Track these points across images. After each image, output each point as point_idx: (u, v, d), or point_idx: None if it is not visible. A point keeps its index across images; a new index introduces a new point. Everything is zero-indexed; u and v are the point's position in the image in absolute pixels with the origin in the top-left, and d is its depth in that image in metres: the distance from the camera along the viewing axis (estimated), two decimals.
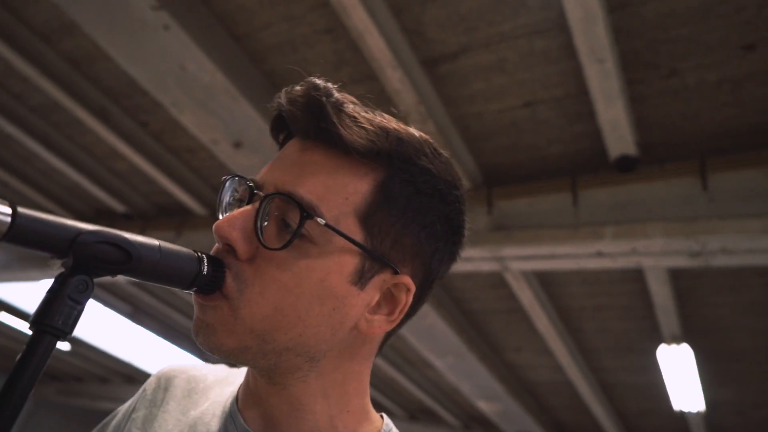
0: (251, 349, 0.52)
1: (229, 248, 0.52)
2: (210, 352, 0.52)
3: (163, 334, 7.68)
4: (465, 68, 2.51)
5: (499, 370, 5.29)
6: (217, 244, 0.53)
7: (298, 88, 0.55)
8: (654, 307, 3.68)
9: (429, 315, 4.29)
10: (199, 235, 3.97)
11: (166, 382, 0.68)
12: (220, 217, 0.56)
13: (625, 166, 2.57)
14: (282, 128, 0.60)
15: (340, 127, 0.52)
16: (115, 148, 3.73)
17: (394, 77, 2.46)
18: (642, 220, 2.43)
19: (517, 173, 2.95)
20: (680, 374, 4.18)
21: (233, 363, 0.56)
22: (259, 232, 0.51)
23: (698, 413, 4.83)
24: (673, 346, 3.88)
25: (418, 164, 0.54)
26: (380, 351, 0.62)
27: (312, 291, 0.51)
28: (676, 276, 3.38)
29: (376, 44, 2.33)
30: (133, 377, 10.74)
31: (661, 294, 3.49)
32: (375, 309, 0.55)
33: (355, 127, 0.52)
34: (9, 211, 0.40)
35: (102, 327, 8.12)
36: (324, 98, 0.53)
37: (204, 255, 0.51)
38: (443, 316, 4.32)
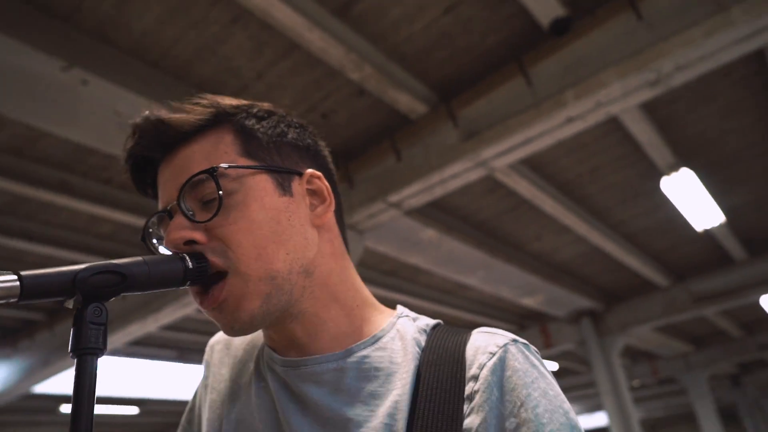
0: (271, 294, 0.59)
1: (188, 245, 0.59)
2: (243, 328, 0.60)
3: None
4: (375, 0, 2.51)
5: (529, 263, 5.43)
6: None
7: (132, 139, 0.65)
8: (642, 146, 3.76)
9: (444, 242, 4.40)
10: None
11: (210, 349, 0.78)
12: (155, 246, 0.65)
13: (560, 28, 2.59)
14: (145, 179, 0.68)
15: (179, 125, 0.62)
16: (92, 214, 3.76)
17: (314, 38, 2.46)
18: (594, 72, 2.47)
19: (466, 78, 2.97)
20: (690, 197, 4.29)
21: (250, 315, 0.60)
22: (194, 216, 0.60)
23: (720, 225, 4.97)
24: (673, 174, 3.98)
25: (242, 105, 0.67)
26: (348, 248, 0.71)
27: (264, 218, 0.60)
28: (650, 110, 3.44)
29: (283, 15, 2.32)
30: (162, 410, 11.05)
31: (643, 132, 3.57)
32: (313, 206, 0.66)
33: (190, 116, 0.63)
34: (15, 277, 0.47)
35: (158, 379, 8.32)
36: (152, 124, 0.63)
37: (184, 254, 0.57)
38: (457, 238, 4.42)
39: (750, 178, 4.65)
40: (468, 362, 0.58)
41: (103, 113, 2.54)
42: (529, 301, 6.11)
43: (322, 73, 2.82)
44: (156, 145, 0.64)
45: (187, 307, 4.22)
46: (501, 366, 0.57)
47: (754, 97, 3.59)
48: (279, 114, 0.70)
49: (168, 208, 0.62)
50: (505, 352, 0.58)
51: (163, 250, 0.64)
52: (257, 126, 0.67)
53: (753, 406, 13.97)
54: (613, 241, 5.18)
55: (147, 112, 0.63)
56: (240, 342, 0.75)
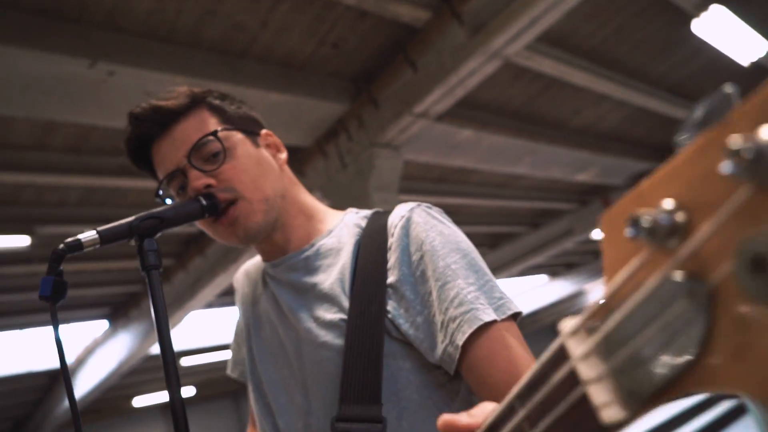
0: (266, 210, 0.84)
1: (206, 189, 0.82)
2: (252, 234, 0.84)
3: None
4: None
5: (573, 140, 5.41)
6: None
7: (132, 124, 0.87)
8: None
9: (482, 138, 4.47)
10: None
11: (236, 282, 1.05)
12: (173, 199, 0.90)
13: None
14: (141, 153, 0.90)
15: (170, 107, 0.85)
16: (155, 188, 4.11)
17: None
18: None
19: None
20: (727, 33, 4.09)
21: (263, 235, 0.86)
22: (209, 168, 0.84)
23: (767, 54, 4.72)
24: (703, 15, 3.80)
25: (206, 91, 0.91)
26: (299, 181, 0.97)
27: (250, 163, 0.86)
28: None
29: None
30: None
31: None
32: (275, 153, 0.93)
33: (176, 100, 0.86)
34: (94, 232, 0.73)
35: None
36: (150, 109, 0.85)
37: (199, 196, 0.81)
38: (495, 131, 4.47)
39: None
40: (389, 227, 0.82)
41: (134, 97, 2.74)
42: (583, 177, 6.12)
43: (321, 6, 2.89)
44: (154, 125, 0.86)
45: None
46: (408, 222, 0.80)
47: None
48: (230, 96, 0.93)
49: (181, 167, 0.84)
50: (411, 212, 0.81)
51: (167, 201, 0.89)
52: (222, 104, 0.90)
53: None
54: (657, 97, 5.05)
55: (140, 104, 0.86)
56: (253, 266, 1.02)
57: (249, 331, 0.97)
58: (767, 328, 0.23)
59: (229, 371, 1.08)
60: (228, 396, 14.66)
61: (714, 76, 5.19)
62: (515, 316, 0.75)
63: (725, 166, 0.24)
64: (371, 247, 0.82)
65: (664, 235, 0.27)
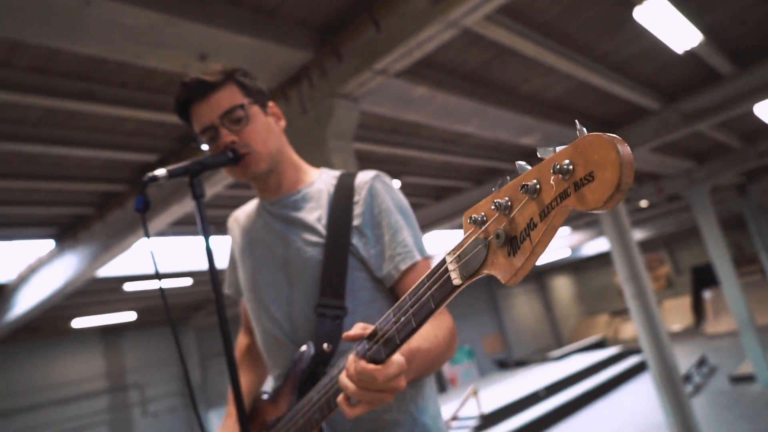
0: (269, 162, 1.22)
1: (231, 144, 1.17)
2: (256, 176, 1.22)
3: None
4: None
5: (521, 105, 5.77)
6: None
7: (181, 89, 1.23)
8: None
9: (436, 96, 4.75)
10: None
11: (229, 222, 1.43)
12: (208, 147, 1.24)
13: None
14: (185, 109, 1.24)
15: (208, 80, 1.19)
16: (116, 116, 4.20)
17: None
18: None
19: None
20: (665, 22, 4.48)
21: (264, 178, 1.26)
22: (234, 128, 1.19)
23: (701, 44, 5.15)
24: (645, 3, 4.15)
25: (234, 69, 1.27)
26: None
27: (262, 127, 1.21)
28: None
29: None
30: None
31: None
32: (277, 120, 1.26)
33: (212, 75, 1.19)
34: (165, 170, 1.05)
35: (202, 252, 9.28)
36: (195, 81, 1.20)
37: (227, 149, 1.16)
38: (448, 91, 4.76)
39: None
40: (356, 187, 1.20)
41: (110, 27, 2.88)
42: (527, 140, 6.52)
43: None
44: (196, 92, 1.19)
45: (216, 185, 4.79)
46: (372, 187, 1.19)
47: None
48: (249, 74, 1.26)
49: (214, 125, 1.19)
50: (374, 180, 1.20)
51: (204, 147, 1.17)
52: (245, 81, 1.23)
53: (757, 211, 14.72)
54: (600, 74, 5.44)
55: (189, 76, 1.18)
56: (242, 212, 1.40)
57: (244, 253, 1.30)
58: (501, 258, 0.64)
59: (225, 289, 1.42)
60: (168, 324, 14.89)
61: (652, 59, 5.62)
62: (428, 257, 1.19)
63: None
64: (341, 198, 1.20)
65: (480, 223, 0.65)
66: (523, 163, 0.68)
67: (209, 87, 1.19)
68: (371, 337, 0.91)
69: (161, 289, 1.12)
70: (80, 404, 12.60)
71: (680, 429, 6.76)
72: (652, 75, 6.09)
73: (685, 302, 23.93)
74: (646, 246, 23.95)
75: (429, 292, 0.78)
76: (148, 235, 1.12)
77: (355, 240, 1.18)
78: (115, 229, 5.70)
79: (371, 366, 0.86)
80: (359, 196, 1.19)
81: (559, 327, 27.67)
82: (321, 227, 1.20)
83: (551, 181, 0.63)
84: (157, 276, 1.08)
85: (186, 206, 5.20)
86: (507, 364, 21.79)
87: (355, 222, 1.18)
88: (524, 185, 0.65)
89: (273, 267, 1.27)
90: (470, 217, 0.72)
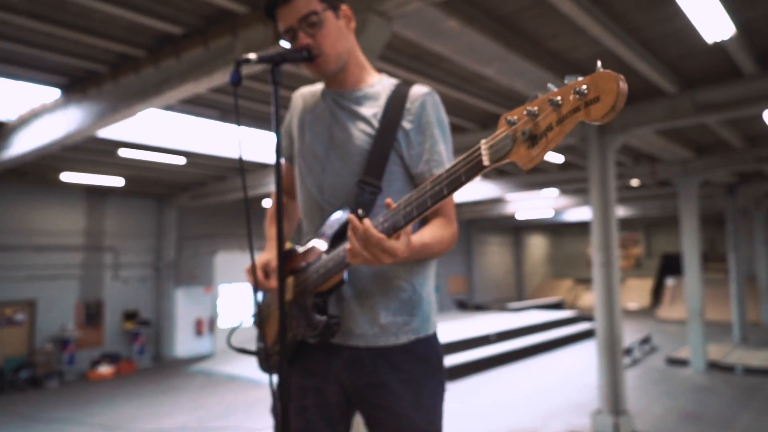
0: (337, 62, 1.41)
1: (306, 45, 1.34)
2: (326, 74, 1.42)
3: (255, 125, 8.76)
4: None
5: (544, 60, 5.83)
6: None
7: None
8: None
9: (465, 33, 4.80)
10: (253, 32, 4.56)
11: (293, 99, 1.61)
12: (288, 45, 1.40)
13: None
14: (271, 11, 1.40)
15: None
16: None
17: None
18: None
19: None
20: (702, 8, 4.51)
21: (327, 74, 1.45)
22: (310, 31, 1.36)
23: (732, 38, 5.21)
24: None
25: None
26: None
27: (334, 30, 1.39)
28: None
29: None
30: (247, 168, 12.41)
31: None
32: (347, 23, 1.43)
33: None
34: (255, 55, 1.22)
35: (202, 136, 9.36)
36: None
37: (303, 49, 1.33)
38: (478, 30, 4.81)
39: None
40: (410, 96, 1.40)
41: None
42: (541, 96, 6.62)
43: None
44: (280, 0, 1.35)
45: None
46: (425, 100, 1.40)
47: None
48: None
49: (293, 27, 1.36)
50: (428, 95, 1.41)
51: (283, 43, 1.33)
52: None
53: (740, 213, 15.12)
54: (627, 46, 5.49)
55: None
56: (308, 91, 1.60)
57: (304, 126, 1.52)
58: (522, 150, 0.93)
59: (283, 158, 1.66)
60: (153, 197, 15.13)
61: (681, 43, 5.67)
62: None
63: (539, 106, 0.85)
64: (396, 103, 1.42)
65: (512, 123, 0.92)
66: (551, 85, 0.95)
67: None
68: (399, 206, 1.19)
69: (241, 171, 1.33)
70: (55, 255, 12.98)
71: (609, 391, 7.35)
72: (677, 59, 6.14)
73: (647, 284, 24.84)
74: (625, 224, 24.51)
75: (462, 169, 1.04)
76: (238, 110, 1.33)
77: (401, 139, 1.41)
78: (126, 92, 5.77)
79: (374, 232, 1.15)
80: (412, 105, 1.41)
81: (523, 282, 28.63)
82: (375, 122, 1.43)
83: (570, 99, 0.91)
84: (241, 168, 1.33)
85: (200, 86, 5.28)
86: (466, 305, 22.70)
87: (405, 125, 1.40)
88: (551, 99, 0.92)
89: (327, 144, 1.50)
90: (506, 118, 0.98)
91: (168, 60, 5.28)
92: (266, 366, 1.59)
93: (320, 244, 1.45)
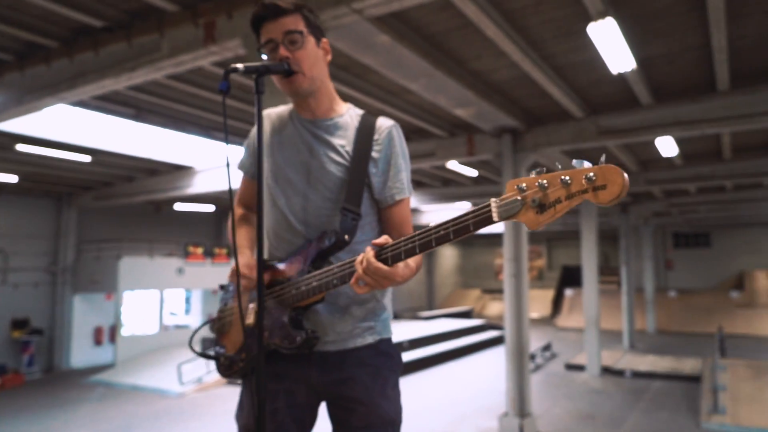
0: (311, 85, 1.46)
1: (286, 59, 1.39)
2: (298, 93, 1.46)
3: (170, 126, 8.44)
4: None
5: (466, 79, 6.11)
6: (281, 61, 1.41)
7: (259, 8, 1.42)
8: None
9: (396, 48, 4.94)
10: (181, 32, 4.43)
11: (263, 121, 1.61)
12: (266, 58, 1.46)
13: None
14: (257, 24, 1.45)
15: (281, 6, 1.40)
16: None
17: None
18: None
19: None
20: (610, 43, 4.96)
21: (303, 97, 1.50)
22: (291, 48, 1.42)
23: (633, 71, 5.74)
24: (600, 21, 4.58)
25: (302, 4, 1.44)
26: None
27: (312, 54, 1.45)
28: None
29: None
30: (156, 169, 11.86)
31: None
32: (325, 55, 1.50)
33: (286, 3, 1.40)
34: (242, 65, 1.26)
35: (113, 134, 8.88)
36: (271, 5, 1.41)
37: (284, 62, 1.37)
38: (407, 46, 4.97)
39: (669, 34, 5.32)
40: (377, 128, 1.49)
41: None
42: (461, 112, 6.92)
43: None
44: (270, 13, 1.40)
45: (159, 71, 4.69)
46: (390, 132, 1.49)
47: None
48: (314, 12, 1.49)
49: (276, 40, 1.41)
50: (392, 127, 1.50)
51: (264, 57, 1.43)
52: (309, 15, 1.46)
53: (631, 230, 16.48)
54: (542, 71, 5.88)
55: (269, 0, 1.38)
56: (274, 112, 1.63)
57: (272, 147, 1.56)
58: (531, 214, 1.09)
59: (238, 167, 1.71)
60: (51, 197, 14.09)
61: (589, 72, 6.16)
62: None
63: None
64: (365, 134, 1.51)
65: (522, 190, 1.06)
66: (577, 161, 1.10)
67: (281, 11, 1.44)
68: (396, 243, 1.31)
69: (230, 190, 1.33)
70: None
71: (515, 395, 7.75)
72: (585, 86, 6.66)
73: (548, 295, 26.32)
74: (530, 237, 25.84)
75: (472, 220, 1.17)
76: (225, 117, 1.33)
77: (371, 167, 1.52)
78: (33, 84, 5.38)
79: (380, 265, 1.28)
80: (380, 136, 1.52)
81: (434, 291, 29.38)
82: (344, 152, 1.53)
83: (581, 182, 1.07)
84: (229, 190, 1.45)
85: (119, 83, 5.04)
86: None
87: (374, 155, 1.51)
88: (562, 179, 1.09)
89: (296, 168, 1.55)
90: (516, 185, 1.13)
91: (85, 53, 5.00)
92: (228, 372, 1.62)
93: (298, 263, 1.51)
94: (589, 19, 4.71)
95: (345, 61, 5.80)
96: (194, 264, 15.54)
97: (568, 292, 23.51)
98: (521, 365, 7.82)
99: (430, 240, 1.25)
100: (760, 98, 6.47)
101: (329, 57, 1.55)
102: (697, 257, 23.58)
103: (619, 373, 11.84)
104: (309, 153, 1.53)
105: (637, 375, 11.62)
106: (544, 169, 1.12)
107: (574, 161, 1.09)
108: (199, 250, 15.76)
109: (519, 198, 1.11)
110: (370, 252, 1.28)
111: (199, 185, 11.38)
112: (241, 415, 1.59)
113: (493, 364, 12.89)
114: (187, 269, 15.34)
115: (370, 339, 1.56)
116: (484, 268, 30.64)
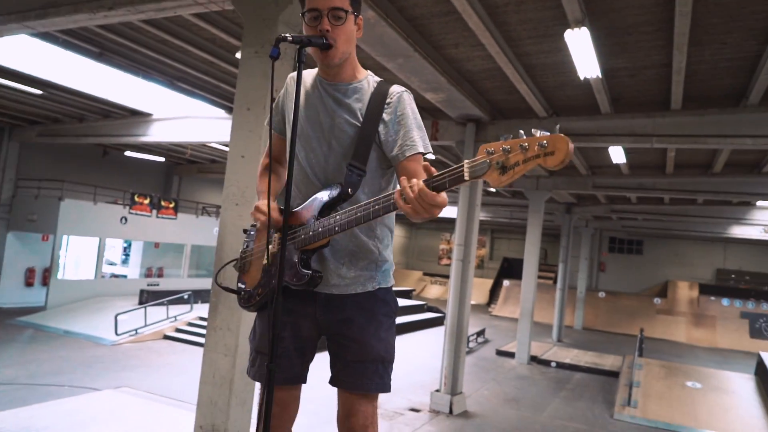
0: (342, 58, 1.59)
1: (326, 32, 1.52)
2: (330, 65, 1.60)
3: (133, 70, 8.19)
4: None
5: (442, 64, 6.25)
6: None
7: None
8: None
9: (378, 24, 5.01)
10: None
11: (289, 79, 1.77)
12: (310, 30, 1.57)
13: None
14: None
15: None
16: None
17: None
18: None
19: None
20: (581, 51, 5.21)
21: (332, 67, 1.62)
22: (333, 22, 1.54)
23: (598, 78, 6.04)
24: (576, 29, 4.80)
25: None
26: None
27: (349, 31, 1.62)
28: None
29: None
30: (109, 113, 11.46)
31: None
32: (358, 30, 1.64)
33: None
34: (290, 35, 1.39)
35: (71, 69, 8.53)
36: None
37: (323, 37, 1.49)
38: (390, 25, 5.05)
39: (634, 50, 5.62)
40: (390, 93, 1.63)
41: None
42: (432, 96, 7.06)
43: None
44: None
45: (139, 14, 4.58)
46: (400, 96, 1.63)
47: None
48: None
49: (321, 11, 1.52)
50: (403, 92, 1.65)
51: (287, 37, 1.50)
52: None
53: (572, 230, 17.23)
54: (515, 68, 6.09)
55: None
56: (305, 77, 1.74)
57: (298, 103, 1.64)
58: (495, 174, 1.26)
59: (266, 123, 1.87)
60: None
61: (558, 74, 6.42)
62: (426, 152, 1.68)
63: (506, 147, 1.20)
64: (378, 98, 1.65)
65: (490, 153, 1.24)
66: (522, 131, 1.28)
67: None
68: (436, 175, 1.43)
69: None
70: None
71: (449, 374, 8.12)
72: (552, 87, 6.93)
73: (487, 284, 27.18)
74: None
75: (448, 177, 1.36)
76: (272, 84, 1.46)
77: (381, 128, 1.68)
78: None
79: (433, 193, 1.39)
80: (391, 99, 1.68)
81: None
82: (360, 115, 1.69)
83: (534, 147, 1.27)
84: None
85: (95, 20, 4.88)
86: None
87: (385, 117, 1.67)
88: (521, 145, 1.28)
89: (317, 127, 1.72)
90: (486, 149, 1.33)
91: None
92: (247, 305, 1.81)
93: (308, 211, 1.67)
94: (566, 25, 4.93)
95: None
96: (139, 214, 15.18)
97: (506, 283, 24.37)
98: (458, 346, 8.17)
99: (445, 180, 1.39)
100: (706, 121, 6.94)
101: (361, 33, 1.70)
102: (629, 262, 24.90)
103: (545, 363, 12.51)
104: (327, 113, 1.68)
105: (562, 366, 12.31)
106: (511, 135, 1.29)
107: (533, 130, 1.27)
108: (146, 201, 15.38)
109: (487, 161, 1.29)
110: (418, 181, 1.41)
111: (155, 134, 11.10)
112: (254, 339, 1.84)
113: (430, 343, 13.33)
114: (131, 219, 14.97)
115: (369, 287, 1.76)
116: (428, 252, 31.26)
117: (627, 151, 9.48)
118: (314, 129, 1.70)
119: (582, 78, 6.11)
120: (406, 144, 1.65)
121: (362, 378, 1.72)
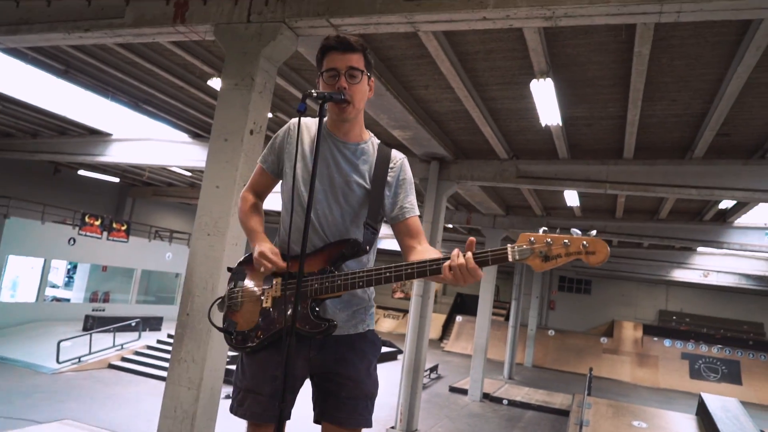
0: (355, 116, 1.71)
1: (343, 90, 1.62)
2: (344, 120, 1.72)
3: (97, 89, 8.07)
4: None
5: (411, 104, 6.44)
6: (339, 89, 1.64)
7: (331, 40, 1.68)
8: (529, 49, 4.73)
9: None
10: (148, 3, 4.35)
11: (294, 125, 1.83)
12: (328, 88, 1.68)
13: None
14: (324, 52, 1.69)
15: (352, 43, 1.64)
16: None
17: None
18: None
19: None
20: (544, 100, 5.50)
21: (344, 122, 1.74)
22: (350, 81, 1.65)
23: (558, 125, 6.35)
24: (540, 80, 5.08)
25: (365, 44, 1.68)
26: None
27: (363, 91, 1.72)
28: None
29: None
30: (66, 130, 11.16)
31: (533, 40, 4.51)
32: (369, 90, 1.76)
33: (356, 42, 1.64)
34: (314, 92, 1.53)
35: (28, 84, 8.31)
36: (343, 38, 1.65)
37: (341, 93, 1.60)
38: None
39: (593, 101, 5.96)
40: (392, 158, 1.77)
41: None
42: (398, 134, 7.23)
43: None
44: (339, 45, 1.63)
45: (116, 38, 4.57)
46: (402, 163, 1.77)
47: (618, 46, 4.68)
48: (371, 53, 1.73)
49: (339, 70, 1.63)
50: (404, 159, 1.78)
51: (323, 84, 1.66)
52: (369, 57, 1.69)
53: (525, 268, 17.66)
54: (480, 112, 6.34)
55: (341, 34, 1.61)
56: (312, 123, 1.83)
57: (307, 155, 1.73)
58: (538, 261, 1.47)
59: (260, 159, 1.89)
60: None
61: (521, 120, 6.72)
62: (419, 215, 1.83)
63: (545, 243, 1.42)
64: (382, 162, 1.78)
65: (531, 243, 1.44)
66: (575, 229, 1.48)
67: (351, 48, 1.70)
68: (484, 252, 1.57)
69: None
70: None
71: (405, 410, 8.10)
72: (514, 131, 7.23)
73: (440, 319, 27.31)
74: None
75: (491, 256, 1.51)
76: (299, 135, 1.72)
77: (386, 190, 1.84)
78: None
79: (474, 263, 1.52)
80: (395, 165, 1.85)
81: None
82: (368, 177, 1.84)
83: (578, 246, 1.48)
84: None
85: (69, 40, 4.82)
86: None
87: (389, 179, 1.84)
88: (564, 241, 1.48)
89: (325, 180, 1.81)
90: (529, 238, 1.50)
91: (33, 0, 4.74)
92: (241, 346, 1.82)
93: (319, 261, 1.75)
94: (532, 74, 5.21)
95: (300, 63, 5.94)
96: (89, 236, 14.65)
97: (459, 319, 24.57)
98: (415, 382, 8.19)
99: (487, 257, 1.52)
100: (655, 170, 7.37)
101: (371, 93, 1.81)
102: (577, 302, 25.61)
103: (497, 400, 12.62)
104: (340, 173, 1.79)
105: (513, 404, 12.45)
106: (556, 230, 1.50)
107: (572, 230, 1.49)
108: (97, 223, 14.89)
109: (529, 248, 1.49)
110: (469, 254, 1.52)
111: (114, 154, 10.85)
112: (243, 379, 1.84)
113: (383, 379, 13.19)
114: (80, 240, 14.43)
115: (360, 329, 1.89)
116: (381, 285, 31.18)
117: (581, 195, 9.89)
118: (322, 181, 1.78)
119: (543, 125, 6.41)
120: (406, 206, 1.84)
121: (354, 414, 1.81)
